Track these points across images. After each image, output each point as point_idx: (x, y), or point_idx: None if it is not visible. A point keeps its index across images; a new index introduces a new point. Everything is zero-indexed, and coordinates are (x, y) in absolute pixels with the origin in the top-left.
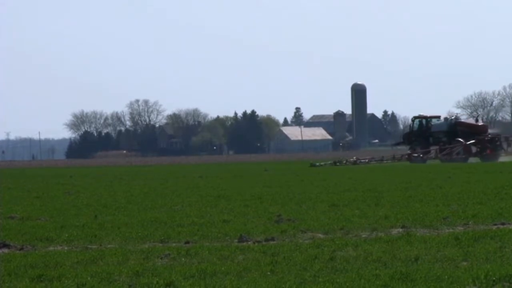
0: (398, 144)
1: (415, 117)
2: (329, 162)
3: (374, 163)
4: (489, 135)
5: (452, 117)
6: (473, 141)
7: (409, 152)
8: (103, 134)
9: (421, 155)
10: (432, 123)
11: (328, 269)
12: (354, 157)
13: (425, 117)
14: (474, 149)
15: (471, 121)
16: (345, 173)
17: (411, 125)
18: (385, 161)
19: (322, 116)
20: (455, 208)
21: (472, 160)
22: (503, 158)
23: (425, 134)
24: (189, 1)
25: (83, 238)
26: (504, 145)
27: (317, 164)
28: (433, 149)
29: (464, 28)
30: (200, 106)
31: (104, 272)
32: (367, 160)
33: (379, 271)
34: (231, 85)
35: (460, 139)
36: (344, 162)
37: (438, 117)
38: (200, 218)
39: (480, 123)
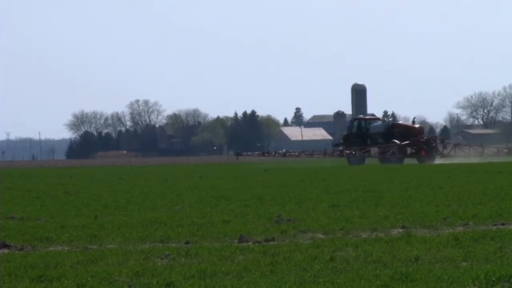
0: (337, 145)
1: (354, 119)
2: (257, 152)
3: (304, 157)
4: (425, 137)
5: (389, 119)
6: (408, 142)
7: (341, 148)
8: (103, 134)
9: (353, 152)
10: (370, 125)
11: (328, 269)
12: (284, 149)
13: (364, 119)
14: (409, 150)
15: (408, 123)
16: (345, 173)
17: (350, 126)
18: (315, 156)
19: (323, 117)
20: (455, 208)
21: (409, 161)
22: (439, 160)
23: (363, 135)
24: (189, 1)
25: (83, 238)
26: (440, 148)
27: (244, 153)
28: (368, 148)
29: (464, 28)
30: (200, 106)
31: (104, 273)
32: (297, 154)
33: (379, 272)
34: (231, 85)
35: (395, 140)
36: (273, 153)
37: (378, 119)
38: (200, 219)
39: (417, 125)
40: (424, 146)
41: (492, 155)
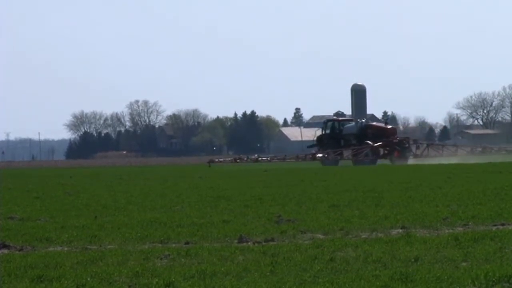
0: (311, 146)
1: (327, 120)
2: (229, 159)
3: (276, 161)
4: (397, 138)
5: (363, 121)
6: (381, 143)
7: (313, 152)
8: (103, 134)
9: (326, 155)
10: (344, 126)
11: (328, 269)
12: (256, 155)
13: (338, 120)
14: (382, 151)
15: (381, 124)
16: (344, 173)
17: (324, 128)
18: (287, 160)
19: (322, 117)
20: (455, 208)
21: (382, 162)
22: (412, 161)
23: (337, 137)
24: (189, 1)
25: (83, 238)
26: (413, 148)
27: (216, 160)
28: (340, 150)
29: (464, 28)
30: (200, 107)
31: (104, 273)
32: (268, 158)
33: (379, 272)
34: (231, 86)
35: (369, 141)
36: (245, 159)
37: (351, 120)
38: (200, 219)
39: (389, 126)
40: (397, 147)
41: (465, 154)
